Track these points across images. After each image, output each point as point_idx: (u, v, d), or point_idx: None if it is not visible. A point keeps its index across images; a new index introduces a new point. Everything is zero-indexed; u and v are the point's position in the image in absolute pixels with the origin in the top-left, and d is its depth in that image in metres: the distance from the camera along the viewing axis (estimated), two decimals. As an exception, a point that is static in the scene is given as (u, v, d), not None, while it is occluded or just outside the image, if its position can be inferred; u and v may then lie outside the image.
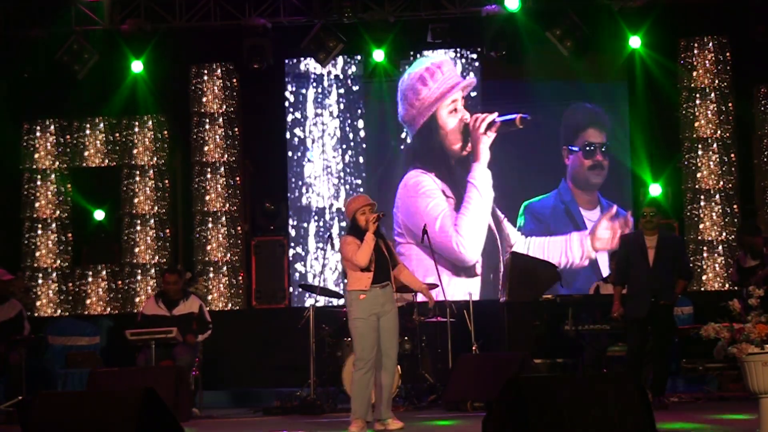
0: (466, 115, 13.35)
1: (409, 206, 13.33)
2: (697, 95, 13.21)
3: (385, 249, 8.31)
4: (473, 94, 13.47)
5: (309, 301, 12.68)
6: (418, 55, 13.56)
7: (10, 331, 11.14)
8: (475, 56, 13.51)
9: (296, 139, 13.68)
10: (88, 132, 13.86)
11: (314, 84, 13.69)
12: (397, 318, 8.36)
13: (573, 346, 11.12)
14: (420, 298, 11.27)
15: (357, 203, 8.31)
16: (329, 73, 13.69)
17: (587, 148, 13.40)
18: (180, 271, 11.83)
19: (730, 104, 13.18)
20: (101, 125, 13.86)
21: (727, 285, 12.81)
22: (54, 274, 13.65)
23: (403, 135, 13.57)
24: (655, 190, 12.97)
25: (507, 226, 13.31)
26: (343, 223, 13.32)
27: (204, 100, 13.71)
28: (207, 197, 13.61)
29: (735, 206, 13.08)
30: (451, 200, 13.32)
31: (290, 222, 13.53)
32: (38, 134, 13.84)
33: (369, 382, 8.18)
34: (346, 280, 8.51)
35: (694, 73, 13.22)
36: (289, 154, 13.65)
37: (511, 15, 12.62)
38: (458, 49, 13.49)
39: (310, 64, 13.64)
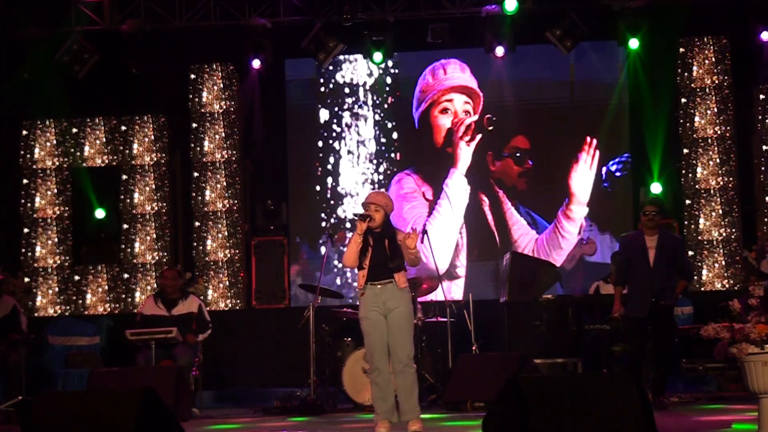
0: (459, 119, 13.35)
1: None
2: (697, 95, 13.21)
3: (389, 249, 8.02)
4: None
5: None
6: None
7: (8, 329, 11.13)
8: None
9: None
10: (88, 132, 13.86)
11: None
12: (405, 317, 8.03)
13: (573, 346, 11.13)
14: (421, 297, 11.28)
15: (365, 199, 8.14)
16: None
17: (516, 155, 13.42)
18: (180, 270, 11.82)
19: (730, 104, 13.19)
20: (101, 125, 13.87)
21: (727, 284, 12.84)
22: (54, 274, 13.65)
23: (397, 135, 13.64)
24: (656, 189, 12.97)
25: (514, 227, 13.31)
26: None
27: (204, 100, 13.72)
28: (207, 197, 13.62)
29: (735, 206, 13.08)
30: (431, 204, 13.35)
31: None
32: (38, 134, 13.85)
33: (383, 383, 7.98)
34: None
35: (694, 73, 13.23)
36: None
37: (511, 15, 12.62)
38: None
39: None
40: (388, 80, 13.69)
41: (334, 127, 13.74)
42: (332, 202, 13.64)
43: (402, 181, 13.43)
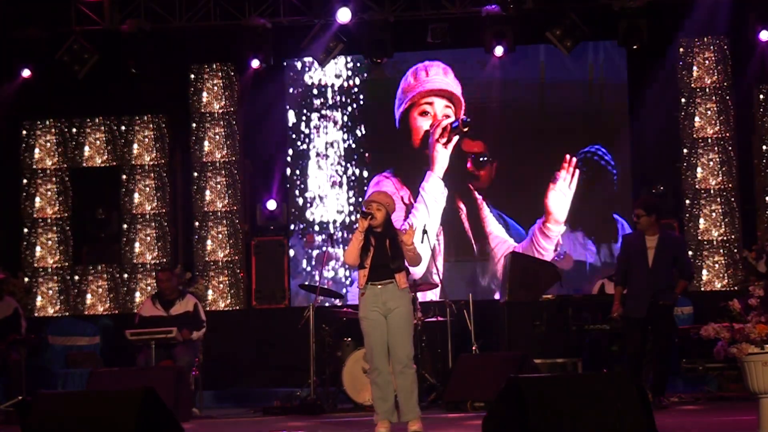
0: (437, 122, 13.31)
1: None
2: (697, 95, 13.21)
3: (390, 249, 7.97)
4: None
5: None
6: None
7: (9, 330, 11.14)
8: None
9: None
10: (88, 132, 13.86)
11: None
12: (405, 317, 8.00)
13: (573, 346, 11.13)
14: (421, 297, 11.29)
15: (367, 198, 8.15)
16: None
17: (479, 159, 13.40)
18: (173, 270, 11.80)
19: (730, 104, 13.18)
20: (101, 125, 13.86)
21: (727, 285, 12.83)
22: (54, 274, 13.65)
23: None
24: (656, 190, 12.97)
25: (493, 231, 13.26)
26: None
27: (204, 100, 13.71)
28: (207, 197, 13.62)
29: (735, 206, 13.08)
30: (409, 207, 13.27)
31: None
32: (38, 134, 13.84)
33: (383, 383, 7.97)
34: None
35: (694, 73, 13.22)
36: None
37: (510, 16, 12.62)
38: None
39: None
40: (357, 81, 13.67)
41: (303, 128, 13.69)
42: (300, 203, 13.63)
43: (381, 183, 13.37)
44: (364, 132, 13.59)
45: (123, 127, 13.83)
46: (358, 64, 13.53)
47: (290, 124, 13.69)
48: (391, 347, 8.01)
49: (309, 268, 13.39)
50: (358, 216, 7.98)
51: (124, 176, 13.76)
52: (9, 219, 13.77)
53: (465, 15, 12.95)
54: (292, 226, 13.58)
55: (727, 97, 13.18)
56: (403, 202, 13.23)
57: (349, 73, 13.65)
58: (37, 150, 13.81)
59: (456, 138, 13.25)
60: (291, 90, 13.74)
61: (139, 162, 13.75)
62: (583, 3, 12.84)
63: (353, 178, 13.56)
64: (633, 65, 13.25)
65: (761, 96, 13.17)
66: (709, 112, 13.16)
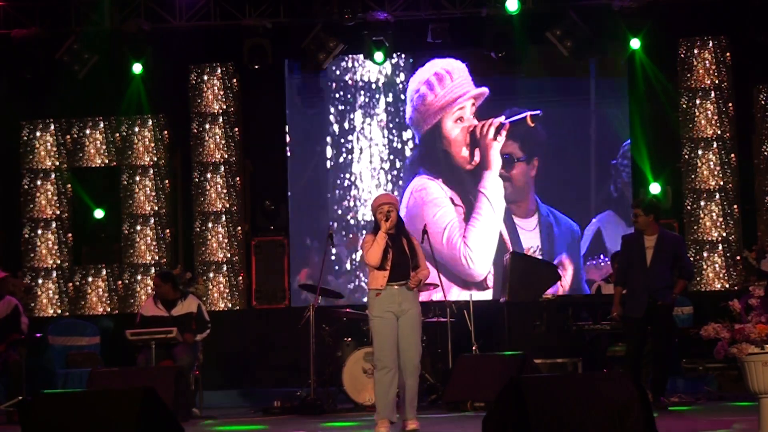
0: (473, 124, 13.26)
1: (415, 214, 13.11)
2: (697, 95, 13.20)
3: (408, 249, 8.20)
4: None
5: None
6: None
7: (9, 329, 11.14)
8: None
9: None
10: (88, 132, 13.86)
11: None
12: (416, 318, 8.20)
13: (573, 346, 11.13)
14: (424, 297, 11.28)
15: (377, 201, 8.27)
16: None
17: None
18: (171, 273, 11.78)
19: (730, 104, 13.18)
20: (101, 125, 13.86)
21: (727, 284, 12.83)
22: (54, 274, 13.65)
23: (406, 137, 13.59)
24: (655, 189, 12.98)
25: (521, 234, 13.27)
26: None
27: (204, 100, 13.70)
28: (207, 197, 13.61)
29: (735, 206, 13.08)
30: (460, 209, 13.18)
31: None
32: (38, 134, 13.84)
33: (389, 382, 8.07)
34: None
35: (694, 73, 13.22)
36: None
37: (511, 16, 12.61)
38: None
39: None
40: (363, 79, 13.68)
41: (338, 128, 13.69)
42: (345, 204, 13.63)
43: (427, 187, 13.30)
44: (408, 135, 13.56)
45: (123, 127, 13.83)
46: (364, 63, 13.52)
47: (330, 122, 13.63)
48: (404, 349, 8.17)
49: (352, 267, 13.42)
50: (381, 219, 8.12)
51: (124, 176, 13.76)
52: (9, 219, 13.77)
53: (465, 15, 12.95)
54: (335, 224, 13.51)
55: (727, 97, 13.18)
56: (454, 203, 13.19)
57: (357, 71, 13.63)
58: (37, 150, 13.81)
59: (504, 133, 13.15)
60: (295, 89, 13.74)
61: (139, 162, 13.75)
62: (583, 3, 12.85)
63: (396, 179, 13.53)
64: (632, 65, 13.23)
65: (761, 96, 13.17)
66: (709, 112, 13.15)
